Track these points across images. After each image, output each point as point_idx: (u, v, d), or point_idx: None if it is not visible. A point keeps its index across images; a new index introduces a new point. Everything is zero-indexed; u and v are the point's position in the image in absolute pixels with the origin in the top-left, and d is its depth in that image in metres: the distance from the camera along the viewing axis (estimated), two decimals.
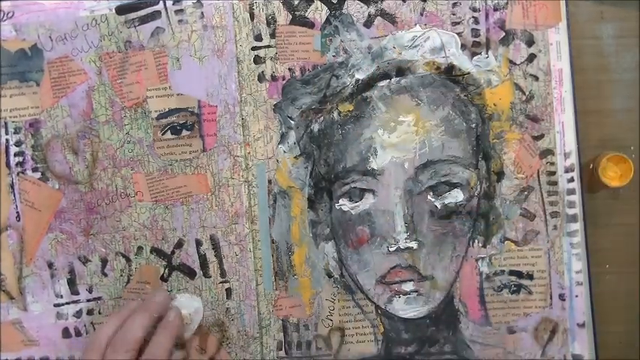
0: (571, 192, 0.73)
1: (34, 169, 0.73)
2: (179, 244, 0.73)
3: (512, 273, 0.73)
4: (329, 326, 0.74)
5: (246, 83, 0.73)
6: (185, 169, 0.73)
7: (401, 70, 0.72)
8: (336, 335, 0.74)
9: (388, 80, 0.72)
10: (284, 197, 0.73)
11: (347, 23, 0.73)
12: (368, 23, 0.73)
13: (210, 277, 0.73)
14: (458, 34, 0.73)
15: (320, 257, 0.74)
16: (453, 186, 0.71)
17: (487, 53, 0.73)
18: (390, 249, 0.71)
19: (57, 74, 0.73)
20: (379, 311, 0.73)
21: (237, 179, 0.73)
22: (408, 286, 0.72)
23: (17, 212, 0.73)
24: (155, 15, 0.73)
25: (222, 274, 0.73)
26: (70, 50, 0.73)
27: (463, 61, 0.72)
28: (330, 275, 0.74)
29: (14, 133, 0.73)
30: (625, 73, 0.75)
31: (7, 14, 0.73)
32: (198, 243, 0.73)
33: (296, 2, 0.73)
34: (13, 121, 0.73)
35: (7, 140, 0.73)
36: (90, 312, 0.74)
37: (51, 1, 0.73)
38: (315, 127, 0.73)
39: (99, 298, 0.74)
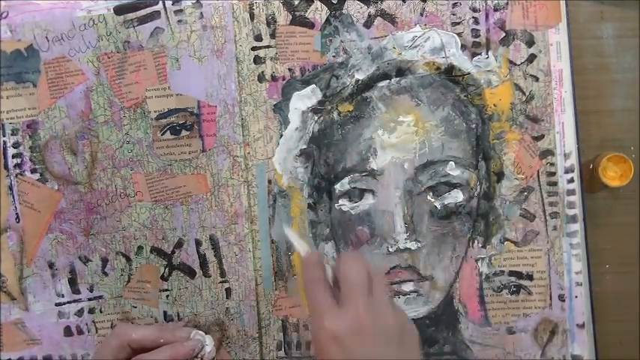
0: (571, 193, 0.73)
1: (33, 171, 0.73)
2: (179, 244, 0.73)
3: (511, 273, 0.73)
4: None
5: (246, 83, 0.73)
6: (184, 169, 0.73)
7: (401, 71, 0.72)
8: None
9: (388, 80, 0.72)
10: (283, 197, 0.73)
11: (347, 23, 0.72)
12: (368, 23, 0.72)
13: (210, 276, 0.73)
14: (458, 34, 0.72)
15: None
16: (452, 186, 0.71)
17: (487, 53, 0.72)
18: (390, 249, 0.71)
19: (54, 75, 0.72)
20: None
21: (236, 179, 0.73)
22: (408, 287, 0.72)
23: (17, 213, 0.73)
24: (154, 15, 0.72)
25: (222, 273, 0.73)
26: (67, 51, 0.72)
27: (463, 62, 0.72)
28: None
29: (12, 134, 0.73)
30: (625, 73, 0.75)
31: (2, 14, 0.72)
32: (198, 243, 0.73)
33: (296, 2, 0.72)
34: (10, 123, 0.73)
35: (4, 142, 0.73)
36: (91, 310, 0.74)
37: (47, 1, 0.72)
38: (315, 127, 0.73)
39: (100, 297, 0.74)
